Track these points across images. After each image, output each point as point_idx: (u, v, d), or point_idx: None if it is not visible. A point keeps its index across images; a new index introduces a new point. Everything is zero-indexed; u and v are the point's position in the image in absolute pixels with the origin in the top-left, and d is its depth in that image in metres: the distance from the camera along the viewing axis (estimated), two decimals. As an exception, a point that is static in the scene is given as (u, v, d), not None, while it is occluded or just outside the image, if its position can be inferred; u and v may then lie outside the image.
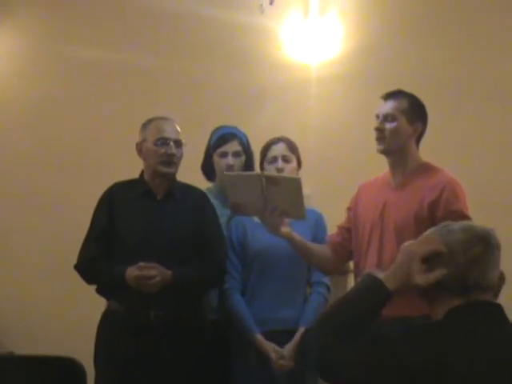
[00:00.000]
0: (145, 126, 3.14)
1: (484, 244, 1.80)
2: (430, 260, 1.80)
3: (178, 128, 3.14)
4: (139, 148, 3.14)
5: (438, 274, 1.78)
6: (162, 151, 3.05)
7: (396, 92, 2.91)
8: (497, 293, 1.85)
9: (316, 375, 2.77)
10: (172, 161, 3.07)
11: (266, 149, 3.30)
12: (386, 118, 2.86)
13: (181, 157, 3.12)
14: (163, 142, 3.06)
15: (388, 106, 2.87)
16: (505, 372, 1.68)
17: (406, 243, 1.87)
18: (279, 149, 3.26)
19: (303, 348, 3.12)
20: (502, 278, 1.85)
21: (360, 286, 1.86)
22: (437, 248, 1.80)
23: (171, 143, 3.06)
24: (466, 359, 1.67)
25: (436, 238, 1.83)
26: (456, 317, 1.76)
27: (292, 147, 3.30)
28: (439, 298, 1.80)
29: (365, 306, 1.79)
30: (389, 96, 2.90)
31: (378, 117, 2.89)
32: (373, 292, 1.80)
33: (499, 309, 1.80)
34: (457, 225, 1.85)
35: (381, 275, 1.83)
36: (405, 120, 2.85)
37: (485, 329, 1.74)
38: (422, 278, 1.79)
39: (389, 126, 2.85)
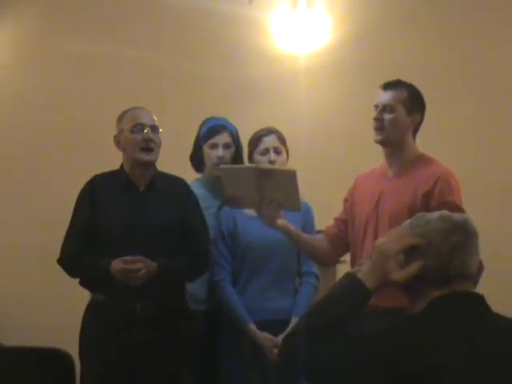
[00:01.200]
0: (120, 117, 3.15)
1: (462, 231, 1.79)
2: (405, 254, 1.78)
3: (154, 116, 3.14)
4: (117, 140, 3.13)
5: (414, 268, 1.77)
6: (139, 137, 3.05)
7: (395, 82, 2.88)
8: (476, 281, 1.85)
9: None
10: (150, 146, 3.06)
11: (256, 140, 3.29)
12: (385, 108, 2.83)
13: (159, 144, 3.11)
14: (139, 128, 3.07)
15: (387, 96, 2.84)
16: (488, 362, 1.68)
17: (379, 240, 1.84)
18: (271, 141, 3.26)
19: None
20: (480, 267, 1.86)
21: (340, 286, 1.84)
22: (411, 242, 1.79)
23: (147, 129, 3.06)
24: (448, 350, 1.67)
25: (408, 231, 1.81)
26: (438, 308, 1.75)
27: (282, 139, 3.30)
28: (420, 289, 1.79)
29: (346, 307, 1.77)
30: (388, 86, 2.87)
31: (376, 107, 2.86)
32: (353, 292, 1.79)
33: (481, 299, 1.80)
34: (433, 214, 1.84)
35: (360, 273, 1.82)
36: (403, 110, 2.83)
37: (467, 319, 1.74)
38: (398, 275, 1.77)
39: (388, 116, 2.82)
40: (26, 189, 4.75)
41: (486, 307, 1.80)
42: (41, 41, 4.86)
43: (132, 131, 3.06)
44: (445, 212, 1.86)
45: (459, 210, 2.55)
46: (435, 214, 1.84)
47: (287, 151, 3.32)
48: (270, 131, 3.29)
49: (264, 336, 3.12)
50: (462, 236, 1.79)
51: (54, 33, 4.83)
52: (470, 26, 4.45)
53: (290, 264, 3.25)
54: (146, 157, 3.06)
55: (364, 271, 1.81)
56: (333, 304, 1.80)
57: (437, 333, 1.70)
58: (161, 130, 3.11)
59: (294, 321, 3.12)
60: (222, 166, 3.09)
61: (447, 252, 1.77)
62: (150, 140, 3.05)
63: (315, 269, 3.29)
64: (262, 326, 3.14)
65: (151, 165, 3.12)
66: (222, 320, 3.21)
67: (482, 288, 1.89)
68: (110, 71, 4.75)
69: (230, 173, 2.95)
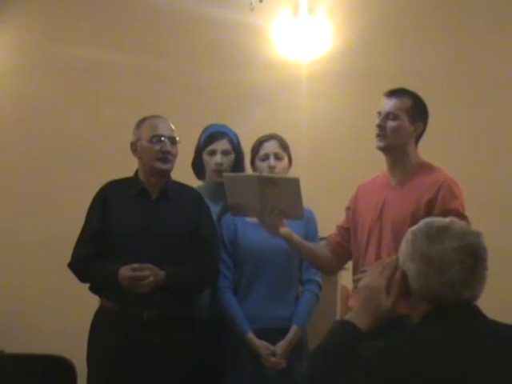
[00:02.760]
0: (138, 125, 3.14)
1: (475, 258, 1.78)
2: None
3: (172, 126, 3.14)
4: (134, 147, 3.13)
5: (396, 284, 1.80)
6: (157, 148, 3.05)
7: (399, 90, 2.86)
8: None
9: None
10: (167, 158, 3.07)
11: (257, 146, 3.29)
12: (388, 115, 2.81)
13: (176, 154, 3.11)
14: (158, 139, 3.06)
15: (391, 104, 2.82)
16: (487, 371, 1.69)
17: (365, 280, 1.87)
18: (271, 146, 3.26)
19: (296, 347, 3.13)
20: None
21: (333, 333, 1.85)
22: (392, 271, 1.82)
23: (166, 140, 3.06)
24: (447, 362, 1.67)
25: (389, 263, 1.85)
26: (434, 320, 1.76)
27: (284, 145, 3.30)
28: (422, 307, 1.80)
29: (341, 351, 1.78)
30: (392, 94, 2.85)
31: (379, 114, 2.84)
32: (347, 335, 1.80)
33: (474, 308, 1.80)
34: (447, 230, 1.81)
35: (349, 315, 1.84)
36: (407, 119, 2.81)
37: (463, 330, 1.74)
38: (387, 302, 1.80)
39: (390, 124, 2.81)
40: (34, 197, 4.75)
41: (482, 316, 1.79)
42: (43, 48, 4.87)
43: (150, 141, 3.06)
44: (456, 228, 1.82)
45: (462, 217, 2.55)
46: (451, 230, 1.81)
47: (290, 157, 3.31)
48: (270, 137, 3.29)
49: (261, 344, 3.11)
50: (475, 262, 1.78)
51: (55, 40, 4.85)
52: (469, 34, 4.48)
53: (290, 271, 3.24)
54: (162, 166, 3.07)
55: (353, 313, 1.83)
56: (328, 351, 1.80)
57: (434, 346, 1.70)
58: (178, 139, 3.11)
59: (294, 329, 3.14)
60: (225, 173, 3.09)
61: (460, 283, 1.76)
62: (167, 152, 3.06)
63: (317, 277, 3.27)
64: (262, 333, 3.13)
65: (167, 174, 3.13)
66: (224, 327, 3.20)
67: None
68: (112, 77, 4.77)
69: (233, 180, 2.94)
